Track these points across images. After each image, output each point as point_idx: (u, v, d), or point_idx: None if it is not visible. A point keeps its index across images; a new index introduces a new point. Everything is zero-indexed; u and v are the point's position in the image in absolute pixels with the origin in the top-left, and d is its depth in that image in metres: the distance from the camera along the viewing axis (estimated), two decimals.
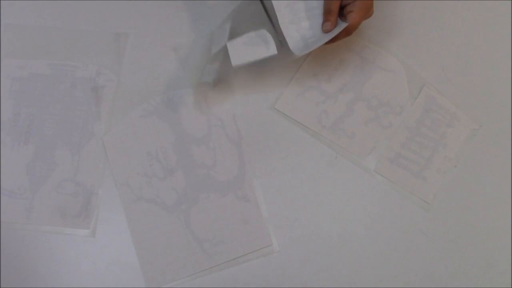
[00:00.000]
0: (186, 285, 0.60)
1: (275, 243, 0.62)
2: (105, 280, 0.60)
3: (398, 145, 0.66)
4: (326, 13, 0.60)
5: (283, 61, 0.65)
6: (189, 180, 0.64)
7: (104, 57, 0.67)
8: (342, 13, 0.60)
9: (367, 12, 0.59)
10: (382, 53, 0.69)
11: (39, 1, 0.68)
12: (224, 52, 0.61)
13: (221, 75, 0.66)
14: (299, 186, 0.64)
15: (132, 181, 0.63)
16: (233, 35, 0.62)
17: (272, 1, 0.61)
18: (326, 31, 0.60)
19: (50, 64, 0.67)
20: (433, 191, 0.64)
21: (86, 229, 0.62)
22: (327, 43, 0.59)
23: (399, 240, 0.63)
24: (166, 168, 0.64)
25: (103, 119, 0.65)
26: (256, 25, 0.62)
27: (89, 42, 0.67)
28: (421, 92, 0.67)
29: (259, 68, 0.67)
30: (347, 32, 0.59)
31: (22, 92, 0.65)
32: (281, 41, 0.65)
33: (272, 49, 0.60)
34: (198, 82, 0.66)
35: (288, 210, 0.63)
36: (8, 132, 0.64)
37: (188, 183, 0.63)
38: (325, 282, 0.61)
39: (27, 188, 0.62)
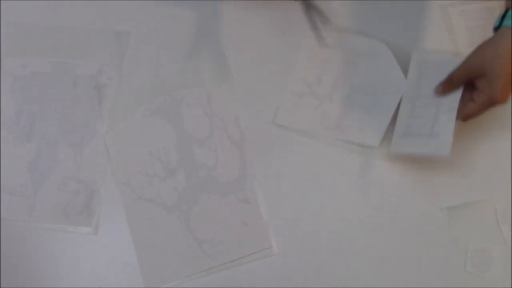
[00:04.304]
0: (185, 285, 0.61)
1: (274, 245, 0.62)
2: (105, 279, 0.61)
3: (405, 119, 0.64)
4: (449, 78, 0.59)
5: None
6: (190, 180, 0.64)
7: (106, 55, 0.67)
8: (470, 89, 0.58)
9: (487, 108, 0.56)
10: (361, 39, 0.67)
11: (40, 0, 0.68)
12: None
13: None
14: (300, 188, 0.64)
15: (133, 180, 0.63)
16: None
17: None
18: (436, 92, 0.60)
19: (51, 62, 0.67)
20: (448, 141, 0.60)
21: (88, 227, 0.62)
22: None
23: (400, 241, 0.63)
24: (167, 168, 0.64)
25: (105, 117, 0.65)
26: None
27: (90, 40, 0.67)
28: (411, 59, 0.66)
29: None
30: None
31: (24, 90, 0.65)
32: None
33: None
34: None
35: (288, 213, 0.63)
36: (10, 130, 0.64)
37: (189, 184, 0.63)
38: (324, 285, 0.61)
39: (29, 186, 0.63)
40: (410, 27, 0.70)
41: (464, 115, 0.57)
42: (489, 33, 0.58)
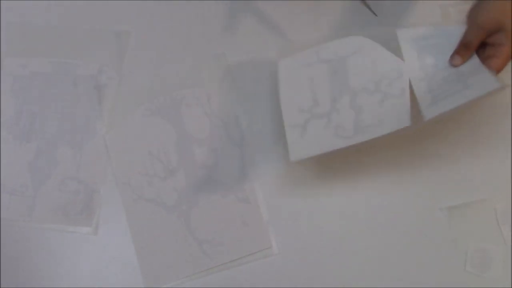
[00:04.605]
0: (185, 285, 0.61)
1: (274, 245, 0.62)
2: (105, 279, 0.61)
3: (427, 94, 0.58)
4: (462, 45, 0.55)
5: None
6: (190, 180, 0.64)
7: (106, 55, 0.67)
8: (481, 50, 0.56)
9: (509, 61, 0.54)
10: (337, 43, 0.62)
11: (40, 0, 0.68)
12: None
13: None
14: (300, 188, 0.64)
15: (133, 180, 0.64)
16: None
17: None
18: (453, 66, 0.56)
19: (51, 62, 0.67)
20: (493, 76, 0.56)
21: (88, 227, 0.62)
22: None
23: (400, 241, 0.63)
24: (167, 168, 0.64)
25: (105, 117, 0.65)
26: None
27: (90, 40, 0.67)
28: (399, 40, 0.61)
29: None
30: None
31: (24, 90, 0.66)
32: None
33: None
34: None
35: (288, 213, 0.63)
36: (10, 130, 0.64)
37: (189, 184, 0.63)
38: (324, 285, 0.61)
39: (29, 186, 0.63)
40: (410, 27, 0.70)
41: (496, 71, 0.55)
42: None
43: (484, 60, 0.56)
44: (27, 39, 0.67)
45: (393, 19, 0.69)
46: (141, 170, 0.64)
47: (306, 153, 0.59)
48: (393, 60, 0.61)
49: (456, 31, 0.57)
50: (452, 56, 0.57)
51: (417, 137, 0.66)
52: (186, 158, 0.64)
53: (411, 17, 0.70)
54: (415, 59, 0.60)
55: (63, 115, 0.65)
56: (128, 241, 0.62)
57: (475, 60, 0.56)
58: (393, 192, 0.65)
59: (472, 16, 0.56)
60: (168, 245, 0.62)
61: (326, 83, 0.62)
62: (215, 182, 0.64)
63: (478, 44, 0.55)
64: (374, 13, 0.69)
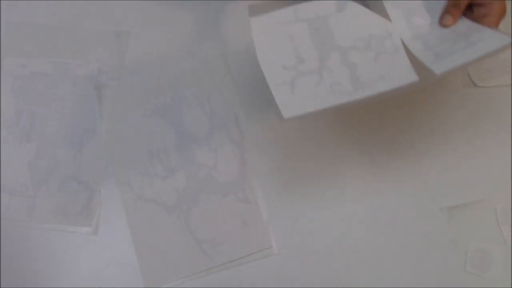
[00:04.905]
0: (185, 285, 0.61)
1: (274, 245, 0.62)
2: (105, 279, 0.61)
3: (427, 51, 0.56)
4: (452, 4, 0.54)
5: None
6: (190, 180, 0.64)
7: (106, 55, 0.67)
8: (469, 13, 0.55)
9: (503, 16, 0.53)
10: (318, 3, 0.58)
11: (40, 0, 0.68)
12: None
13: None
14: (300, 188, 0.64)
15: (133, 180, 0.63)
16: None
17: None
18: (444, 26, 0.55)
19: (51, 62, 0.67)
20: (500, 33, 0.54)
21: (88, 227, 0.62)
22: None
23: (400, 241, 0.63)
24: (167, 168, 0.64)
25: (105, 117, 0.65)
26: None
27: (90, 40, 0.67)
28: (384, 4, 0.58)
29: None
30: None
31: (24, 90, 0.65)
32: None
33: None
34: None
35: (288, 213, 0.63)
36: (10, 130, 0.64)
37: (189, 184, 0.63)
38: (324, 285, 0.61)
39: (29, 186, 0.63)
40: None
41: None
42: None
43: (476, 20, 0.54)
44: (27, 39, 0.67)
45: None
46: (141, 170, 0.64)
47: (300, 110, 0.51)
48: (379, 21, 0.58)
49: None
50: (442, 16, 0.55)
51: (417, 137, 0.66)
52: (186, 158, 0.64)
53: None
54: (403, 20, 0.58)
55: (63, 115, 0.65)
56: (128, 241, 0.62)
57: (466, 21, 0.55)
58: (393, 192, 0.65)
59: None
60: (168, 245, 0.62)
61: (309, 41, 0.57)
62: (215, 182, 0.64)
63: (467, 3, 0.54)
64: None
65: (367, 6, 0.58)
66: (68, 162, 0.64)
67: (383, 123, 0.67)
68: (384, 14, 0.57)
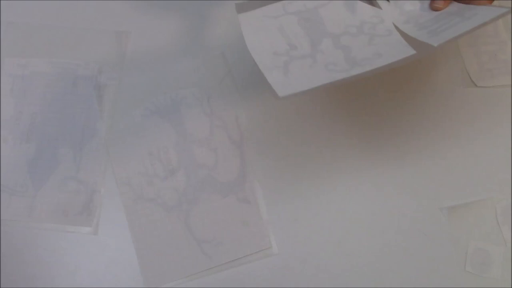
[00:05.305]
0: (185, 285, 0.61)
1: (274, 245, 0.62)
2: (105, 279, 0.61)
3: (422, 30, 0.55)
4: None
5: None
6: (190, 180, 0.64)
7: (106, 55, 0.67)
8: None
9: None
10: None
11: (40, 0, 0.68)
12: None
13: None
14: (300, 188, 0.64)
15: (133, 181, 0.63)
16: None
17: None
18: (436, 10, 0.54)
19: (51, 62, 0.67)
20: (493, 7, 0.53)
21: (88, 227, 0.62)
22: None
23: (400, 241, 0.63)
24: (167, 168, 0.64)
25: (105, 117, 0.65)
26: None
27: (90, 40, 0.67)
28: None
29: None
30: None
31: (24, 91, 0.65)
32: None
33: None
34: None
35: (288, 213, 0.63)
36: (10, 130, 0.64)
37: (189, 184, 0.64)
38: (324, 285, 0.61)
39: (29, 186, 0.63)
40: None
41: None
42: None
43: (469, 2, 0.54)
44: (27, 39, 0.67)
45: None
46: (141, 170, 0.64)
47: (295, 88, 0.50)
48: (369, 9, 0.57)
49: None
50: (433, 1, 0.55)
51: (417, 137, 0.66)
52: (186, 158, 0.64)
53: None
54: (394, 6, 0.57)
55: (63, 115, 0.65)
56: (128, 241, 0.62)
57: (457, 4, 0.55)
58: (393, 192, 0.64)
59: None
60: (168, 245, 0.62)
61: (300, 30, 0.56)
62: (215, 182, 0.64)
63: None
64: None
65: None
66: (68, 162, 0.64)
67: (383, 123, 0.67)
68: (374, 3, 0.57)
